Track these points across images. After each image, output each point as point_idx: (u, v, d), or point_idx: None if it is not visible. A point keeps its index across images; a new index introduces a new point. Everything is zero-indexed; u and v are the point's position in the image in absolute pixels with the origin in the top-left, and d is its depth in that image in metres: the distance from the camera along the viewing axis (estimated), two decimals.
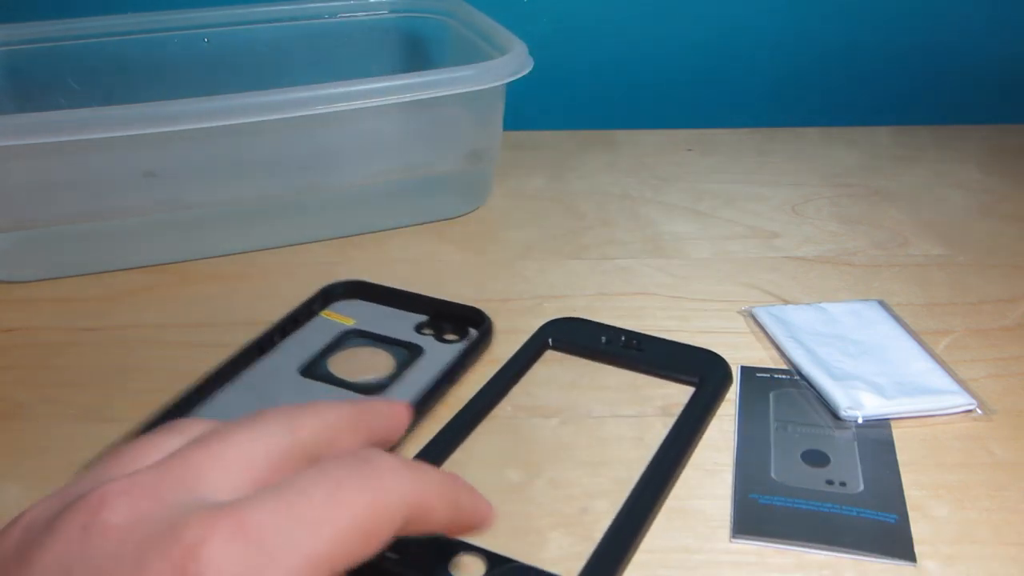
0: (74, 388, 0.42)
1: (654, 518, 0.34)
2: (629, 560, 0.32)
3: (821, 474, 0.36)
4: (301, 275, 0.52)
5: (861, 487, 0.36)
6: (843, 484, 0.36)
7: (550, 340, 0.45)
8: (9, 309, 0.49)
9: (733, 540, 0.33)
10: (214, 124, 0.46)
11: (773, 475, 0.36)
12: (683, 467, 0.37)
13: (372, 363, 0.44)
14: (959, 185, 0.64)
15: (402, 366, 0.43)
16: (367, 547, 0.22)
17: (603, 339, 0.45)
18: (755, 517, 0.34)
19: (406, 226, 0.58)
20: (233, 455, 0.23)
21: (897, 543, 0.33)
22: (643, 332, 0.45)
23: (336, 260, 0.54)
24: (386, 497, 0.23)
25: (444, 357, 0.43)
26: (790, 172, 0.66)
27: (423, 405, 0.40)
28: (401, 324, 0.46)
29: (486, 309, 0.46)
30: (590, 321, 0.46)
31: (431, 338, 0.45)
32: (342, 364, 0.43)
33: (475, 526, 0.27)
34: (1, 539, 0.22)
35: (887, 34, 0.76)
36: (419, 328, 0.46)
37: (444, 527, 0.25)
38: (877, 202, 0.61)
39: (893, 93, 0.79)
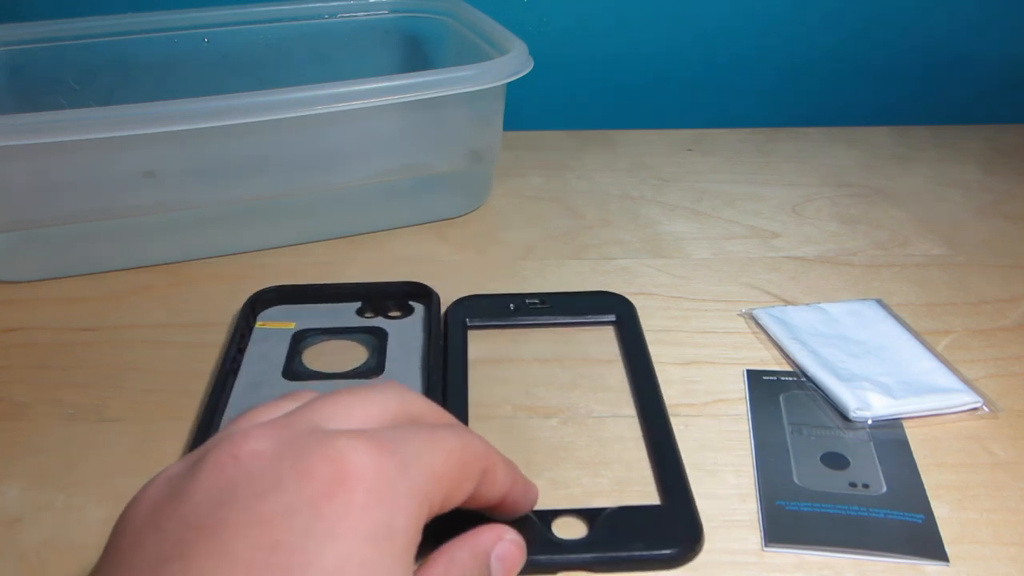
0: (74, 388, 0.42)
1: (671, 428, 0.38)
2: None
3: (843, 477, 0.36)
4: (302, 275, 0.52)
5: (884, 488, 0.36)
6: (866, 486, 0.36)
7: (467, 321, 0.46)
8: (9, 309, 0.49)
9: (766, 549, 0.33)
10: (214, 124, 0.46)
11: (796, 480, 0.36)
12: (657, 379, 0.42)
13: (345, 353, 0.44)
14: (959, 185, 0.64)
15: (376, 349, 0.43)
16: (463, 480, 0.26)
17: (511, 306, 0.47)
18: (785, 525, 0.34)
19: (406, 226, 0.58)
20: (356, 407, 0.26)
21: (927, 544, 0.33)
22: (538, 290, 0.48)
23: (336, 260, 0.54)
24: (471, 444, 0.27)
25: (410, 333, 0.44)
26: (790, 172, 0.66)
27: (432, 380, 0.40)
28: (340, 315, 0.46)
29: None
30: (487, 295, 0.48)
31: (380, 319, 0.46)
32: (318, 360, 0.43)
33: (525, 503, 0.30)
34: (145, 492, 0.23)
35: (887, 34, 0.76)
36: (361, 313, 0.46)
37: (505, 493, 0.28)
38: (877, 202, 0.61)
39: (893, 93, 0.79)
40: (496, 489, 0.28)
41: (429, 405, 0.29)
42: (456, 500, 0.26)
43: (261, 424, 0.24)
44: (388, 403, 0.26)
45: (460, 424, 0.28)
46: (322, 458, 0.22)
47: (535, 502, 0.31)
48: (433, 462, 0.24)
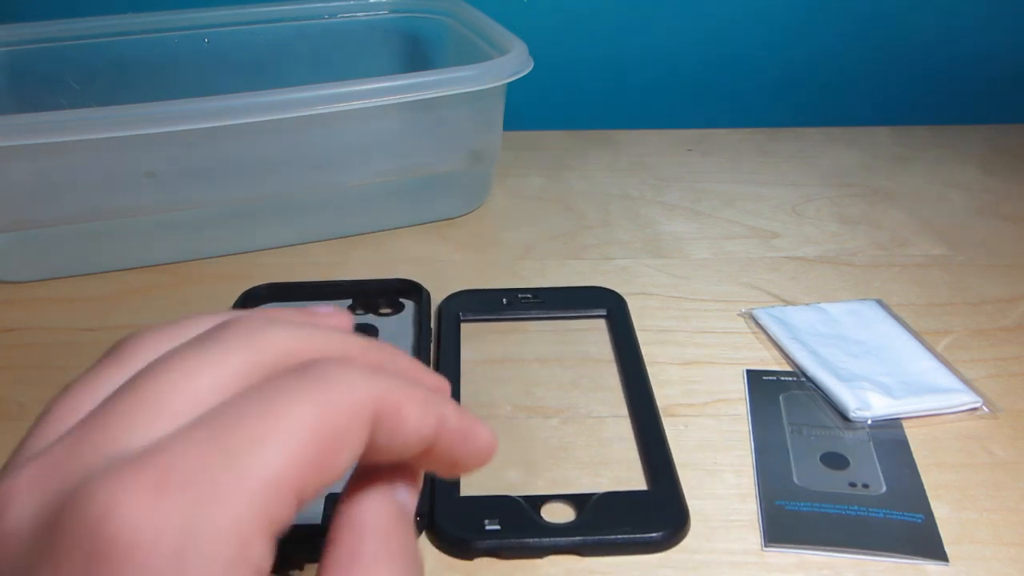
0: None
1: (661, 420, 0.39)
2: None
3: (843, 477, 0.36)
4: (301, 275, 0.52)
5: (884, 488, 0.36)
6: (866, 486, 0.36)
7: (460, 315, 0.46)
8: (9, 309, 0.49)
9: (766, 549, 0.33)
10: (214, 124, 0.46)
11: (796, 480, 0.36)
12: (647, 371, 0.42)
13: None
14: (959, 185, 0.64)
15: None
16: (332, 459, 0.18)
17: (504, 301, 0.47)
18: (785, 525, 0.34)
19: (406, 226, 0.58)
20: (172, 390, 0.18)
21: (927, 544, 0.33)
22: (533, 287, 0.49)
23: (336, 260, 0.54)
24: (338, 399, 0.18)
25: (400, 329, 0.45)
26: (790, 172, 0.66)
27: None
28: None
29: None
30: (480, 289, 0.48)
31: (371, 316, 0.46)
32: None
33: (472, 451, 0.21)
34: None
35: (887, 34, 0.76)
36: (352, 311, 0.47)
37: (430, 439, 0.20)
38: (877, 202, 0.61)
39: (893, 93, 0.79)
40: (408, 434, 0.20)
41: (306, 337, 0.20)
42: (326, 481, 0.18)
43: (35, 467, 0.17)
44: (228, 361, 0.19)
45: (323, 363, 0.19)
46: (78, 525, 0.16)
47: (487, 452, 0.22)
48: (265, 464, 0.17)
